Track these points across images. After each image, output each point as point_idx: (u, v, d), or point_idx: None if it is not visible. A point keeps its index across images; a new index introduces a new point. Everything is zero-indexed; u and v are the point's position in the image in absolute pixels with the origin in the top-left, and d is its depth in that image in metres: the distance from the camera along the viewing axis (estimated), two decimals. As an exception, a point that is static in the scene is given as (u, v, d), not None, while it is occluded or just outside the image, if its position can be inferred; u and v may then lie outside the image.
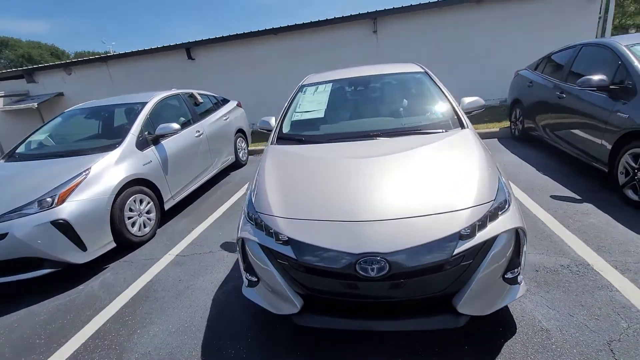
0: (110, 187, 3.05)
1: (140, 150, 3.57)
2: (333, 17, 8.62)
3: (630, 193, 2.97)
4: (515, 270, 1.68)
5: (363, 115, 2.84)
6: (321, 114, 2.87)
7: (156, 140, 3.82)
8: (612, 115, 3.13)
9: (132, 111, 4.00)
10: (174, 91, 4.67)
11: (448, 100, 2.67)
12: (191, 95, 4.98)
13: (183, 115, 4.60)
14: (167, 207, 3.84)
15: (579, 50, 4.07)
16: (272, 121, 3.04)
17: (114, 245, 3.10)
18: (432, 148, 2.15)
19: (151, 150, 3.70)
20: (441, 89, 2.81)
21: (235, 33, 9.21)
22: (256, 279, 1.94)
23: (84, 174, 2.97)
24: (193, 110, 4.81)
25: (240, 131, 5.95)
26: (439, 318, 1.62)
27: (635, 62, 3.09)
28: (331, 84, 3.17)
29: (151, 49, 9.69)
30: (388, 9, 8.39)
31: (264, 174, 2.19)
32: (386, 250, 1.52)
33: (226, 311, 2.28)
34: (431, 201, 1.71)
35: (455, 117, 2.48)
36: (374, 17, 8.41)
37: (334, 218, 1.70)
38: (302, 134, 2.67)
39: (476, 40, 8.28)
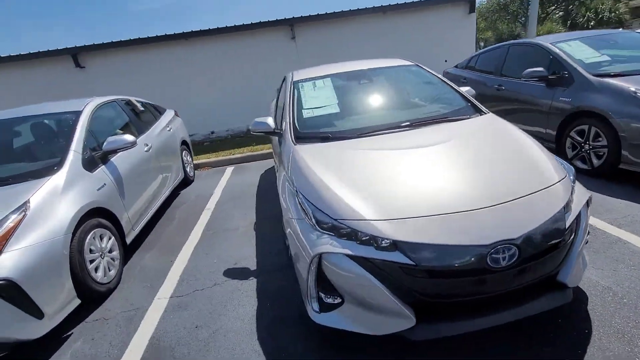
0: (64, 224, 2.22)
1: (89, 171, 2.72)
2: (250, 23, 8.31)
3: (579, 163, 3.56)
4: (587, 237, 1.78)
5: (378, 108, 2.71)
6: (335, 109, 2.64)
7: (105, 158, 2.98)
8: (554, 101, 3.72)
9: (62, 123, 3.04)
10: (110, 97, 3.75)
11: (454, 89, 2.76)
12: (128, 102, 4.09)
13: (125, 127, 3.73)
14: (128, 240, 3.02)
15: (507, 49, 4.71)
16: (270, 121, 2.68)
17: (78, 301, 2.26)
18: (477, 133, 2.17)
19: (102, 171, 2.86)
20: (442, 80, 2.90)
21: (137, 37, 8.03)
22: (340, 300, 1.63)
23: (21, 210, 2.09)
24: (135, 120, 3.96)
25: (184, 143, 5.18)
26: (551, 297, 1.60)
27: (566, 57, 3.75)
28: (329, 78, 2.96)
29: (22, 55, 7.68)
30: (304, 16, 8.51)
31: (317, 176, 1.87)
32: (515, 236, 1.42)
33: (290, 351, 1.86)
34: (519, 182, 1.69)
35: (470, 104, 2.57)
36: (290, 24, 8.41)
37: (441, 211, 1.52)
38: (326, 130, 2.40)
39: (383, 45, 8.85)
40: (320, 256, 1.59)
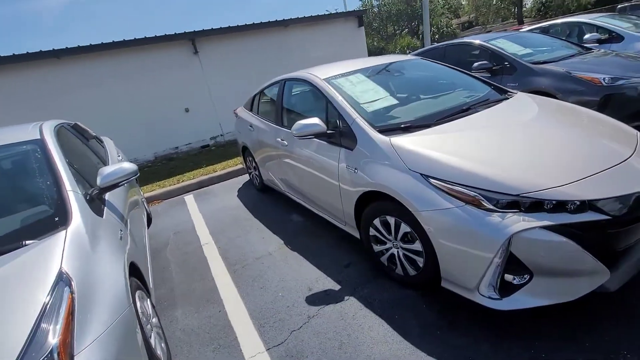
0: (121, 292, 1.50)
1: (99, 215, 1.93)
2: (143, 37, 7.41)
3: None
4: None
5: (427, 96, 2.75)
6: (392, 101, 2.55)
7: (101, 197, 2.16)
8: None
9: (20, 157, 2.05)
10: (57, 120, 2.72)
11: (470, 74, 3.04)
12: (75, 127, 3.06)
13: (90, 156, 2.78)
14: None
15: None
16: (320, 122, 2.44)
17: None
18: (544, 108, 2.40)
19: (108, 213, 2.06)
20: (451, 67, 3.15)
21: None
22: (527, 278, 1.59)
23: (64, 287, 1.32)
24: (93, 148, 2.99)
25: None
26: None
27: (504, 51, 4.56)
28: (358, 73, 2.85)
29: None
30: (206, 30, 8.12)
31: (454, 161, 1.78)
32: None
33: (480, 350, 1.69)
34: (623, 136, 1.97)
35: (494, 87, 2.87)
36: (191, 38, 7.91)
37: (600, 169, 1.65)
38: (403, 121, 2.29)
39: (287, 57, 9.07)
40: (510, 239, 1.52)
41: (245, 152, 4.65)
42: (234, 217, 3.94)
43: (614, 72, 3.76)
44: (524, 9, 34.72)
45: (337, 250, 2.81)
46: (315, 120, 2.48)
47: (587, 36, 5.56)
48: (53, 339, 1.14)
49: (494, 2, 35.72)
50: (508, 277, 1.61)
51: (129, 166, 2.24)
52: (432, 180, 1.79)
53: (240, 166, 5.71)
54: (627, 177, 1.62)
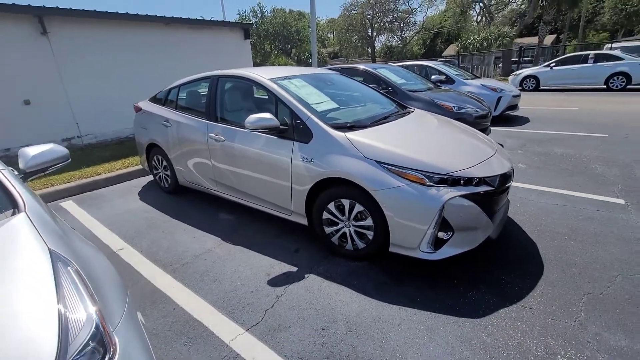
0: (115, 273, 1.32)
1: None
2: None
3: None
4: None
5: (356, 103, 3.26)
6: (333, 105, 2.95)
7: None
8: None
9: None
10: None
11: (378, 91, 3.78)
12: None
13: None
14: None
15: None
16: (272, 117, 2.65)
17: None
18: (435, 119, 3.25)
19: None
20: (364, 84, 3.84)
21: None
22: (451, 234, 2.25)
23: (67, 268, 1.11)
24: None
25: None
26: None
27: (388, 79, 5.70)
28: (299, 78, 3.17)
29: None
30: (61, 9, 6.91)
31: (398, 150, 2.32)
32: (509, 169, 2.59)
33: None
34: (488, 142, 2.93)
35: (397, 103, 3.67)
36: (39, 14, 6.51)
37: (485, 158, 2.47)
38: (347, 121, 2.72)
39: (168, 58, 8.66)
40: (444, 204, 2.13)
41: (151, 151, 4.21)
42: (148, 220, 3.54)
43: (458, 103, 5.30)
44: (375, 49, 42.19)
45: (281, 240, 2.98)
46: (269, 115, 2.65)
47: (434, 77, 7.47)
48: (91, 314, 1.00)
49: (354, 40, 42.16)
50: (440, 234, 2.22)
51: (59, 149, 1.90)
52: (385, 165, 2.27)
53: (133, 168, 5.05)
54: (496, 165, 2.50)
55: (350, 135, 2.50)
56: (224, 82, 3.37)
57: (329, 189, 2.54)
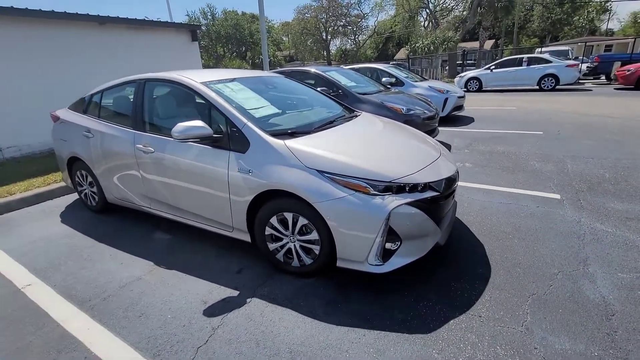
0: None
1: None
2: None
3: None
4: None
5: (300, 108, 3.06)
6: (274, 110, 2.73)
7: None
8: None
9: None
10: None
11: (325, 94, 3.64)
12: None
13: None
14: None
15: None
16: (204, 124, 2.39)
17: None
18: (387, 125, 3.15)
19: None
20: (311, 87, 3.68)
21: None
22: (398, 243, 2.14)
23: None
24: None
25: None
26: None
27: (338, 82, 5.61)
28: (237, 82, 2.91)
29: None
30: None
31: (342, 158, 2.17)
32: (453, 172, 2.55)
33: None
34: (435, 145, 2.88)
35: (343, 106, 3.55)
36: None
37: (429, 162, 2.40)
38: (288, 128, 2.52)
39: (104, 60, 8.02)
40: (390, 213, 2.01)
41: (73, 165, 3.71)
42: (68, 246, 3.07)
43: (407, 105, 5.35)
44: (331, 53, 42.73)
45: (223, 259, 2.70)
46: (200, 122, 2.38)
47: (384, 79, 7.56)
48: None
49: (309, 44, 42.38)
50: (388, 245, 2.10)
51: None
52: (327, 175, 2.11)
53: (56, 185, 4.45)
54: (442, 168, 2.44)
55: (290, 142, 2.30)
56: (152, 86, 3.03)
57: (270, 202, 2.32)
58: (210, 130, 2.39)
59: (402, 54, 36.11)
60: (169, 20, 17.31)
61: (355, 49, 43.08)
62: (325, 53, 42.43)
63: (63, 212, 3.91)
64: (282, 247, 2.40)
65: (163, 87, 3.03)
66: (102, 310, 2.21)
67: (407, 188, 2.11)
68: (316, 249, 2.27)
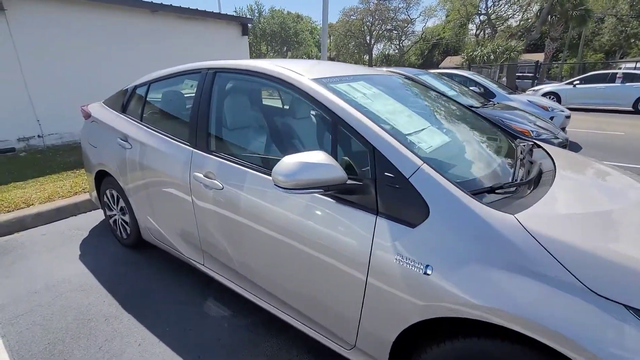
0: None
1: None
2: None
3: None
4: None
5: (455, 135, 1.84)
6: (439, 135, 1.53)
7: None
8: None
9: None
10: None
11: (479, 114, 2.39)
12: None
13: None
14: None
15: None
16: (330, 160, 1.21)
17: None
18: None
19: None
20: (456, 101, 2.45)
21: None
22: None
23: None
24: None
25: None
26: None
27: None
28: (362, 81, 1.73)
29: None
30: None
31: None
32: None
33: None
34: None
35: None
36: None
37: None
38: (487, 182, 1.31)
39: (154, 49, 7.36)
40: None
41: (102, 180, 2.71)
42: (79, 312, 2.03)
43: (533, 127, 3.98)
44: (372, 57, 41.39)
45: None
46: (322, 156, 1.21)
47: (473, 88, 6.19)
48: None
49: (350, 47, 41.24)
50: None
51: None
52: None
53: (82, 197, 3.52)
54: None
55: (526, 218, 1.07)
56: (225, 80, 1.90)
57: (455, 342, 1.11)
58: (344, 173, 1.22)
59: (448, 62, 33.96)
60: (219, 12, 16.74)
61: (398, 54, 41.34)
62: (367, 57, 41.05)
63: (85, 238, 2.93)
64: None
65: (244, 82, 1.91)
66: None
67: None
68: None
